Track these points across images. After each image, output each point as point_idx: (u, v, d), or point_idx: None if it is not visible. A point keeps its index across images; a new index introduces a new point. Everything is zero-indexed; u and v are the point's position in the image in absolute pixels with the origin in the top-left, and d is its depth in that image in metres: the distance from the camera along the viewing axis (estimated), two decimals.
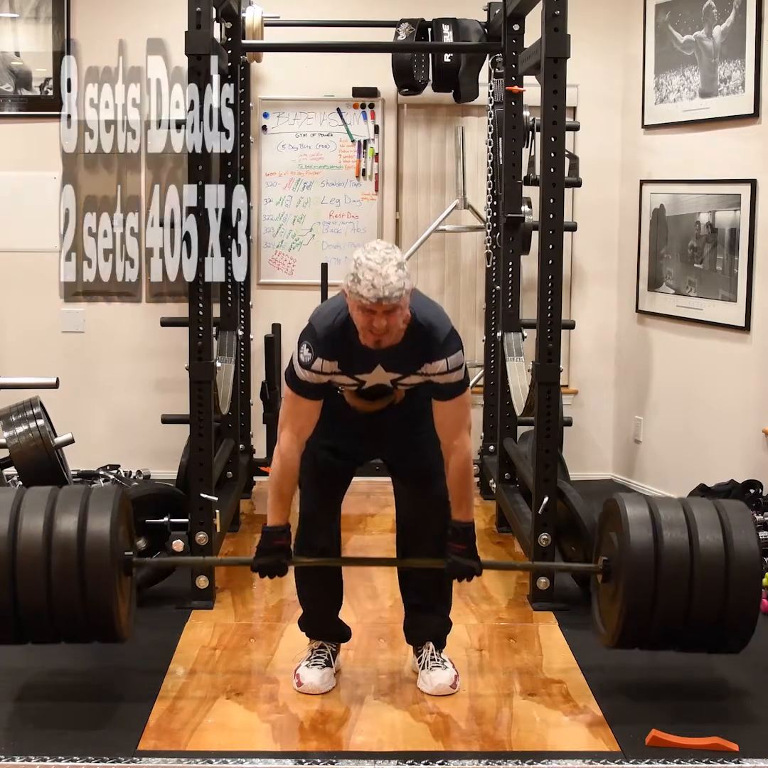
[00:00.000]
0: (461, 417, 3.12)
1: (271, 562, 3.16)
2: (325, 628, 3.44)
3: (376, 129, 5.67)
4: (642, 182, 5.51)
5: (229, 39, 4.79)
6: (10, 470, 4.26)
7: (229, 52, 4.72)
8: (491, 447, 5.22)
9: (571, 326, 4.98)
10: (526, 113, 4.77)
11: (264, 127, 5.67)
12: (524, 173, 4.79)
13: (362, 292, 2.84)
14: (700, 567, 3.01)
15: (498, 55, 4.96)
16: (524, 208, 4.90)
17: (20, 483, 4.10)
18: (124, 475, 5.25)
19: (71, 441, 4.20)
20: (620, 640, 3.14)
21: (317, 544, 3.34)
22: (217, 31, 4.27)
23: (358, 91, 5.64)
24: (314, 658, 3.37)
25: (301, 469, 3.23)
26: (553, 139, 3.86)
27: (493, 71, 5.07)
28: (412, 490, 3.34)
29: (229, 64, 4.69)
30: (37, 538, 2.96)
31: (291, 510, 3.20)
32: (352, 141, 5.67)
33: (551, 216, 3.89)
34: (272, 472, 3.17)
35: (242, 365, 5.16)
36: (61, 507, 3.02)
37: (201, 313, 3.92)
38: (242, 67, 5.09)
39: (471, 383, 3.94)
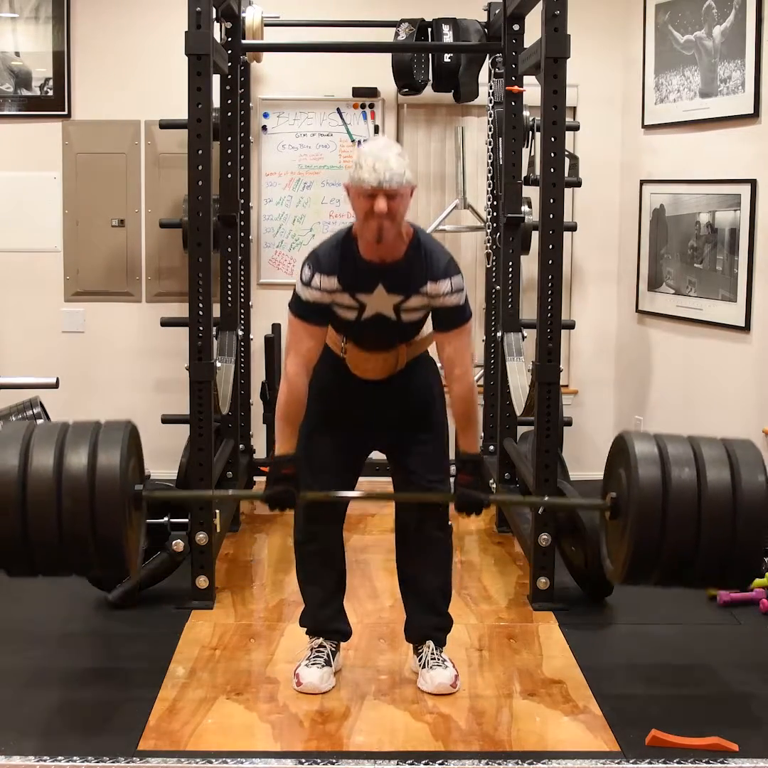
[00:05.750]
0: (465, 345, 3.15)
1: (281, 491, 3.11)
2: (326, 622, 3.42)
3: (376, 129, 5.66)
4: (642, 182, 5.51)
5: (229, 39, 4.79)
6: None
7: (229, 52, 4.72)
8: (491, 447, 5.22)
9: (571, 326, 4.99)
10: (526, 113, 4.77)
11: (264, 127, 5.67)
12: (524, 173, 4.79)
13: (364, 176, 2.92)
14: (707, 504, 2.95)
15: (498, 55, 4.96)
16: (524, 208, 4.91)
17: None
18: None
19: None
20: (627, 576, 3.08)
21: (318, 540, 3.34)
22: (217, 31, 4.27)
23: (358, 91, 5.64)
24: (313, 658, 3.36)
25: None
26: (553, 139, 3.87)
27: (493, 71, 5.07)
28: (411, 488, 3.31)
29: (229, 64, 4.69)
30: (47, 472, 2.89)
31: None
32: (352, 141, 5.66)
33: (551, 216, 3.89)
34: (279, 399, 3.16)
35: (242, 365, 5.16)
36: (71, 441, 2.96)
37: (201, 313, 3.92)
38: (242, 67, 5.09)
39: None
